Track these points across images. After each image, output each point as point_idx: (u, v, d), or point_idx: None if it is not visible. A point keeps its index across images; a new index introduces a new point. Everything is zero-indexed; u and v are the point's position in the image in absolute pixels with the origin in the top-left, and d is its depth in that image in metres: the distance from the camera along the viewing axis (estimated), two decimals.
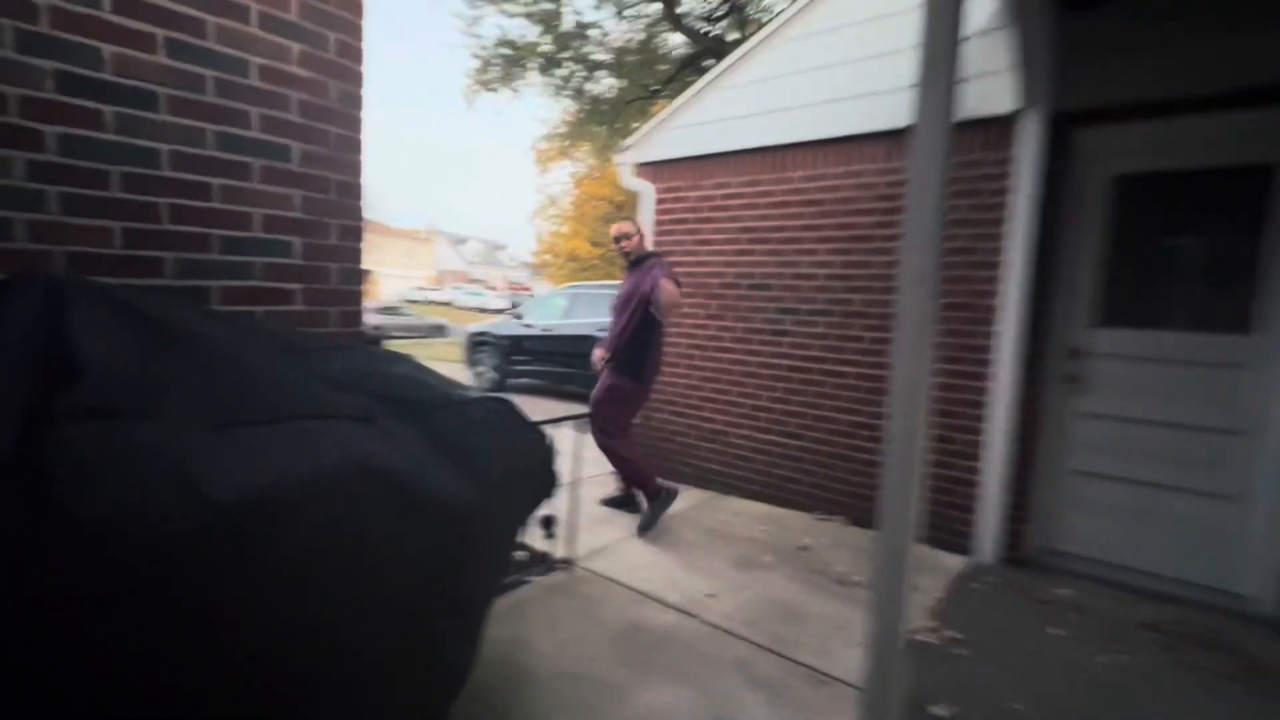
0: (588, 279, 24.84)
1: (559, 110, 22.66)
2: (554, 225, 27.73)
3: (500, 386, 8.50)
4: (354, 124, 1.85)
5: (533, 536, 2.70)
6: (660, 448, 4.30)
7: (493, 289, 45.33)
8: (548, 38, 14.02)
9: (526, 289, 49.09)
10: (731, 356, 3.91)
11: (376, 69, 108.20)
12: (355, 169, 1.87)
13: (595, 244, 25.17)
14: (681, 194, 4.10)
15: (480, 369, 8.73)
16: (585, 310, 7.69)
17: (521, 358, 8.19)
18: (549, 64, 14.65)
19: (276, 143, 1.68)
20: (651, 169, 4.25)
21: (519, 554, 2.66)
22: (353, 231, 1.88)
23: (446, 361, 12.26)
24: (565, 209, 27.56)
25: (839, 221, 3.47)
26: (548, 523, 2.76)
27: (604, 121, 17.34)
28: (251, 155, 1.63)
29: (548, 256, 26.77)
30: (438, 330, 22.66)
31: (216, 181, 1.58)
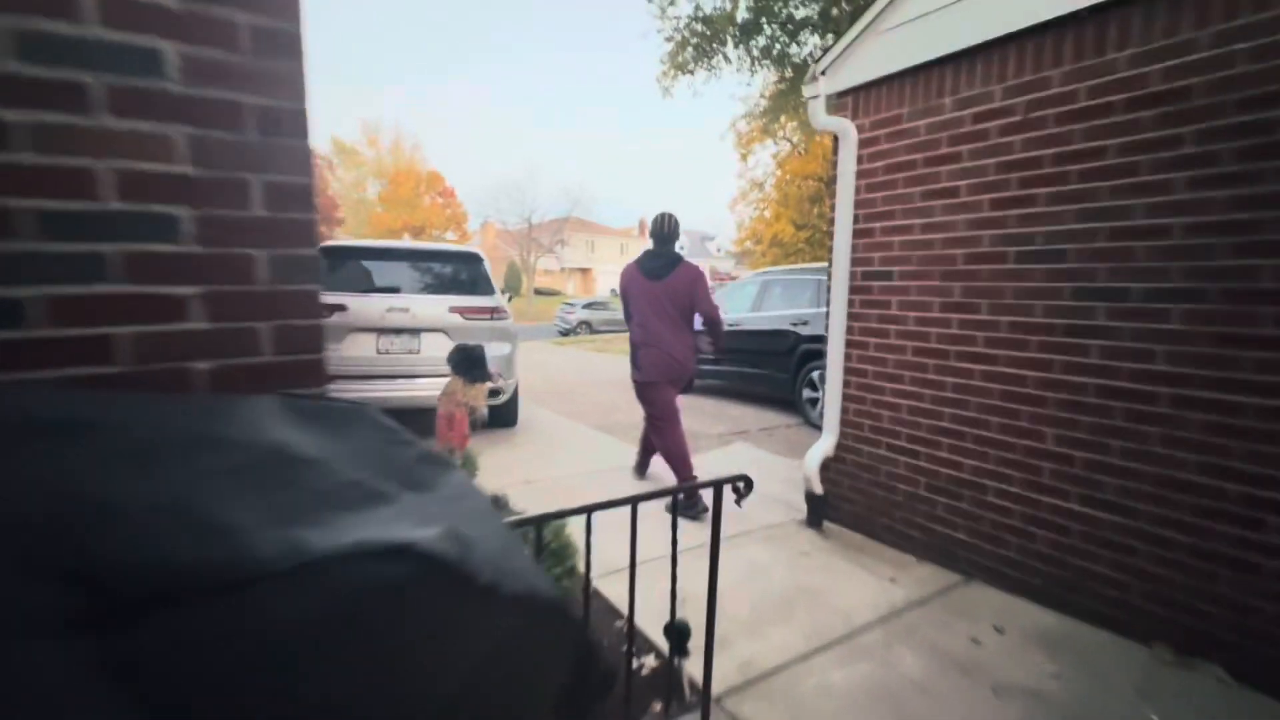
0: (792, 264, 23.02)
1: (758, 85, 21.25)
2: (756, 210, 26.38)
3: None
4: (284, 9, 1.08)
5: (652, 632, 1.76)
6: (873, 495, 3.02)
7: None
8: (745, 2, 12.85)
9: (732, 278, 48.10)
10: (988, 368, 2.49)
11: (574, 73, 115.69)
12: (293, 87, 1.10)
13: (801, 226, 23.24)
14: (902, 126, 2.76)
15: None
16: (778, 300, 6.49)
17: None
18: (746, 33, 13.48)
19: (133, 46, 0.97)
20: (855, 99, 2.97)
21: (623, 669, 1.75)
22: (295, 194, 1.12)
23: None
24: (768, 193, 26.04)
25: (1224, 124, 1.86)
26: (676, 636, 1.79)
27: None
28: (87, 70, 0.95)
29: (749, 243, 25.54)
30: None
31: (18, 118, 0.91)
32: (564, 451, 4.75)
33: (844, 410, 3.13)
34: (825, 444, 3.17)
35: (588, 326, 21.26)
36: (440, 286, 4.70)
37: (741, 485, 1.64)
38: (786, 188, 23.45)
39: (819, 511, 3.20)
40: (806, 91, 3.12)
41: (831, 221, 3.11)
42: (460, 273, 4.84)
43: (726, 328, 7.00)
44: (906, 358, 2.81)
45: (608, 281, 44.83)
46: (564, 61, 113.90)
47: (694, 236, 57.50)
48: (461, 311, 4.55)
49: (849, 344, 3.08)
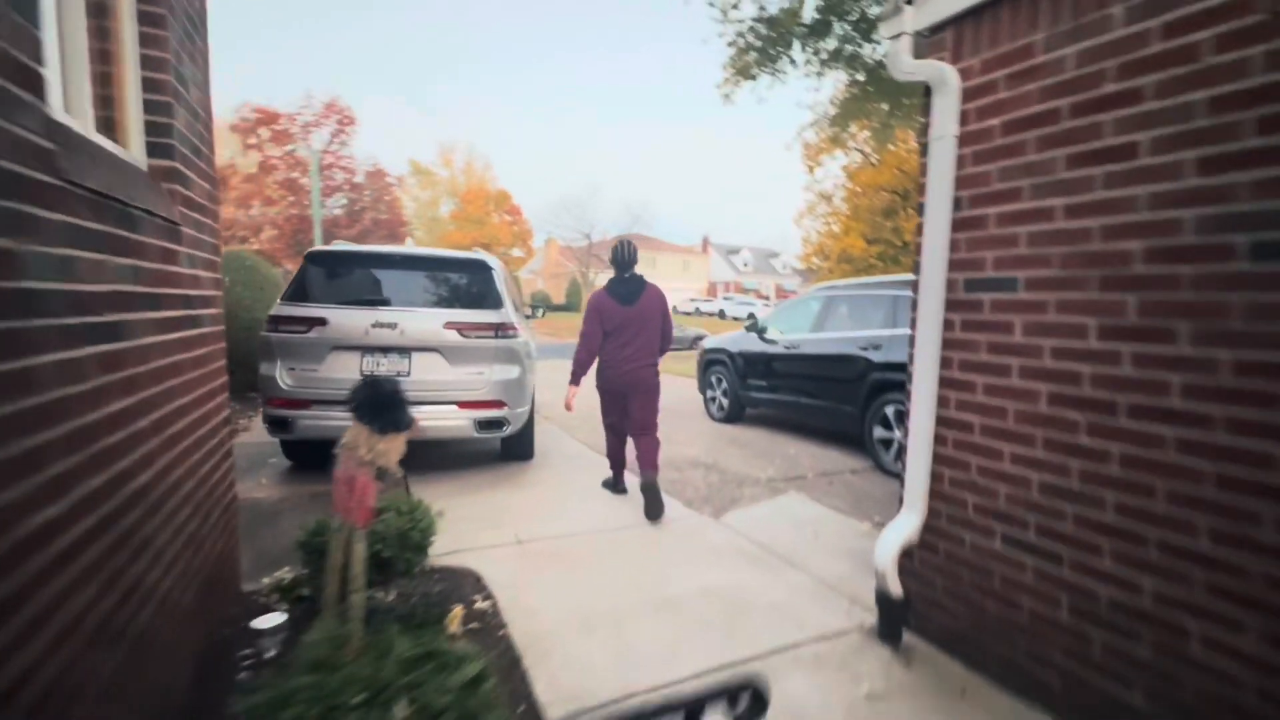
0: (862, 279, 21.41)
1: (828, 89, 20.22)
2: (824, 225, 25.04)
3: (735, 417, 6.80)
4: None
5: None
6: (980, 607, 2.05)
7: (764, 298, 44.01)
8: (814, 1, 11.94)
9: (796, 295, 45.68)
10: (1193, 435, 1.51)
11: (628, 85, 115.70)
12: None
13: (873, 241, 21.76)
14: (1035, 61, 1.84)
15: (712, 394, 7.16)
16: (845, 319, 5.50)
17: (759, 382, 6.35)
18: (814, 33, 12.54)
19: None
20: (957, 32, 2.08)
21: None
22: None
23: (693, 377, 11.06)
24: (837, 207, 24.72)
25: None
26: None
27: (884, 93, 14.36)
28: None
29: (815, 260, 24.20)
30: (699, 341, 22.02)
31: None
32: (579, 496, 3.96)
33: (935, 478, 2.19)
34: (906, 524, 2.23)
35: None
36: (442, 299, 4.05)
37: (745, 701, 0.79)
38: (857, 200, 22.07)
39: (897, 618, 2.25)
40: (886, 30, 2.24)
41: (919, 209, 2.20)
42: (468, 284, 4.19)
43: (784, 351, 6.08)
44: (1039, 409, 1.85)
45: (669, 301, 44.03)
46: (607, 68, 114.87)
47: (758, 253, 56.04)
48: (459, 328, 3.87)
49: (945, 384, 2.15)
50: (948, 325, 2.13)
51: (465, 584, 2.65)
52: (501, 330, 4.01)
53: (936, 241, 2.13)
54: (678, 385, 10.42)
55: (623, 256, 3.68)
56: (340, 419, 3.74)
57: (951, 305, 2.12)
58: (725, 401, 6.86)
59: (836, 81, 15.27)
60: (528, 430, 4.62)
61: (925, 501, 2.21)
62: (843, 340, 5.26)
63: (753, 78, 13.84)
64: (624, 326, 3.64)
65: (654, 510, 3.47)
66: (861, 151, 23.36)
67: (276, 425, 3.75)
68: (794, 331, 6.03)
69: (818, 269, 24.01)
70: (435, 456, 4.78)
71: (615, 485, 4.00)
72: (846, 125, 17.26)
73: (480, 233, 50.84)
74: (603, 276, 42.29)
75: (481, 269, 4.23)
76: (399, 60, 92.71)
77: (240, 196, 23.71)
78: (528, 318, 6.91)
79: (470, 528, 3.29)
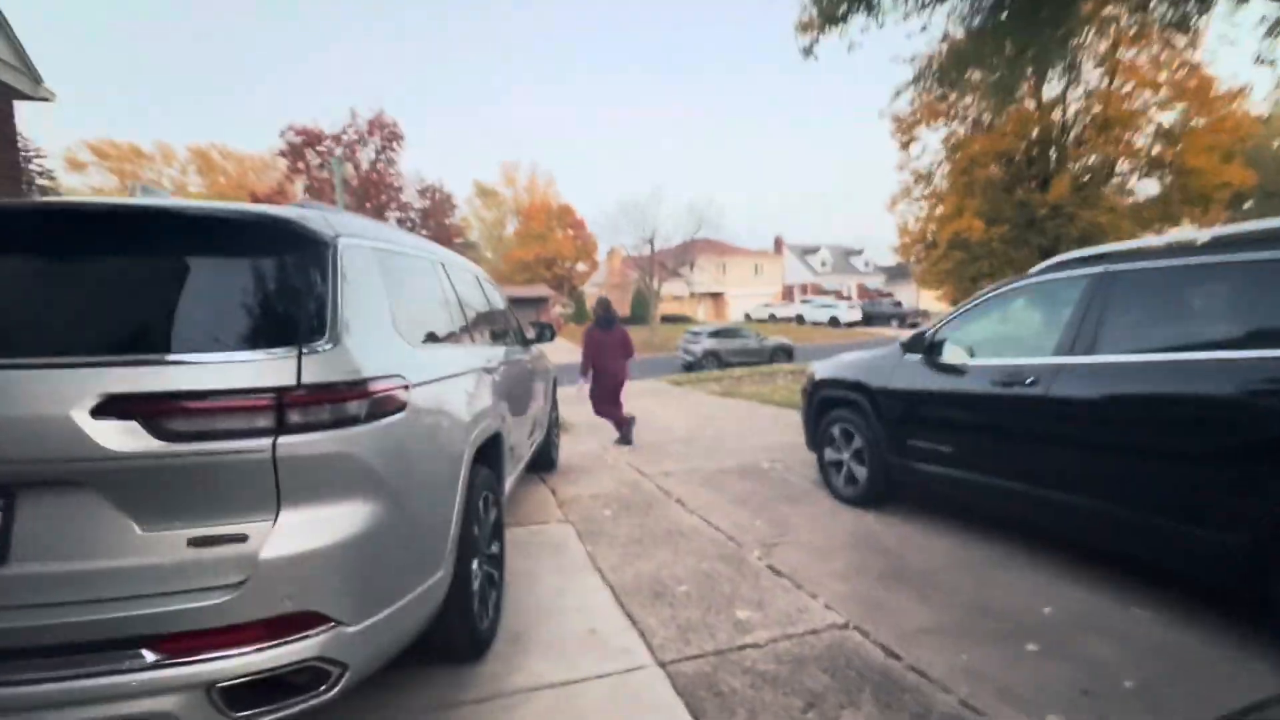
0: (980, 270, 17.40)
1: (934, 30, 16.78)
2: (922, 208, 21.22)
3: (878, 496, 3.90)
4: None
5: None
6: None
7: (846, 299, 39.82)
8: None
9: (886, 295, 40.95)
10: None
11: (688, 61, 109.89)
12: None
13: (994, 221, 17.86)
14: None
15: (835, 455, 4.24)
16: (1171, 323, 2.53)
17: (936, 446, 3.41)
18: None
19: None
20: None
21: None
22: None
23: (788, 406, 8.09)
24: (938, 186, 20.89)
25: None
26: None
27: (1011, 31, 10.74)
28: None
29: (918, 249, 20.44)
30: (782, 353, 18.75)
31: None
32: None
33: None
34: None
35: (715, 359, 17.63)
36: (129, 331, 1.48)
37: None
38: (971, 173, 18.23)
39: None
40: None
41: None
42: (241, 286, 1.59)
43: (997, 389, 3.16)
44: None
45: (741, 305, 40.81)
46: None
47: (837, 252, 51.59)
48: (152, 412, 1.29)
49: None
50: None
51: None
52: (317, 403, 1.40)
53: None
54: (756, 423, 7.11)
55: (603, 309, 6.46)
56: None
57: None
58: (861, 471, 3.96)
59: (951, 13, 11.81)
60: (462, 597, 2.01)
61: None
62: (1192, 367, 2.30)
63: (842, 19, 10.72)
64: (603, 345, 6.29)
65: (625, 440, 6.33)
66: (966, 117, 19.53)
67: None
68: (1012, 351, 3.09)
69: (924, 259, 20.22)
70: None
71: (624, 438, 6.40)
72: (961, 76, 13.44)
73: (543, 248, 49.59)
74: (671, 286, 39.59)
75: (291, 243, 1.63)
76: (459, 79, 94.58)
77: None
78: (527, 343, 4.36)
79: None
